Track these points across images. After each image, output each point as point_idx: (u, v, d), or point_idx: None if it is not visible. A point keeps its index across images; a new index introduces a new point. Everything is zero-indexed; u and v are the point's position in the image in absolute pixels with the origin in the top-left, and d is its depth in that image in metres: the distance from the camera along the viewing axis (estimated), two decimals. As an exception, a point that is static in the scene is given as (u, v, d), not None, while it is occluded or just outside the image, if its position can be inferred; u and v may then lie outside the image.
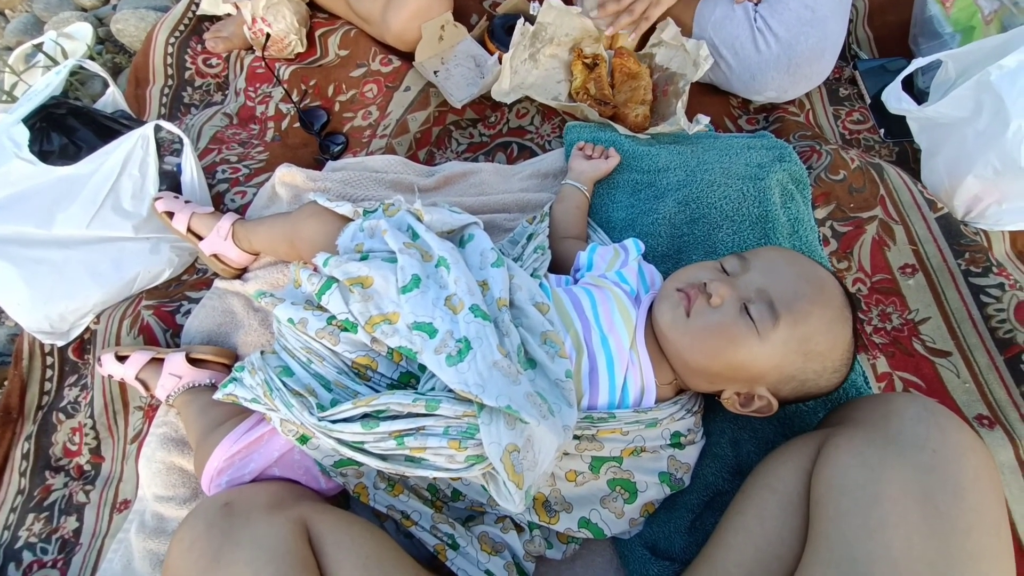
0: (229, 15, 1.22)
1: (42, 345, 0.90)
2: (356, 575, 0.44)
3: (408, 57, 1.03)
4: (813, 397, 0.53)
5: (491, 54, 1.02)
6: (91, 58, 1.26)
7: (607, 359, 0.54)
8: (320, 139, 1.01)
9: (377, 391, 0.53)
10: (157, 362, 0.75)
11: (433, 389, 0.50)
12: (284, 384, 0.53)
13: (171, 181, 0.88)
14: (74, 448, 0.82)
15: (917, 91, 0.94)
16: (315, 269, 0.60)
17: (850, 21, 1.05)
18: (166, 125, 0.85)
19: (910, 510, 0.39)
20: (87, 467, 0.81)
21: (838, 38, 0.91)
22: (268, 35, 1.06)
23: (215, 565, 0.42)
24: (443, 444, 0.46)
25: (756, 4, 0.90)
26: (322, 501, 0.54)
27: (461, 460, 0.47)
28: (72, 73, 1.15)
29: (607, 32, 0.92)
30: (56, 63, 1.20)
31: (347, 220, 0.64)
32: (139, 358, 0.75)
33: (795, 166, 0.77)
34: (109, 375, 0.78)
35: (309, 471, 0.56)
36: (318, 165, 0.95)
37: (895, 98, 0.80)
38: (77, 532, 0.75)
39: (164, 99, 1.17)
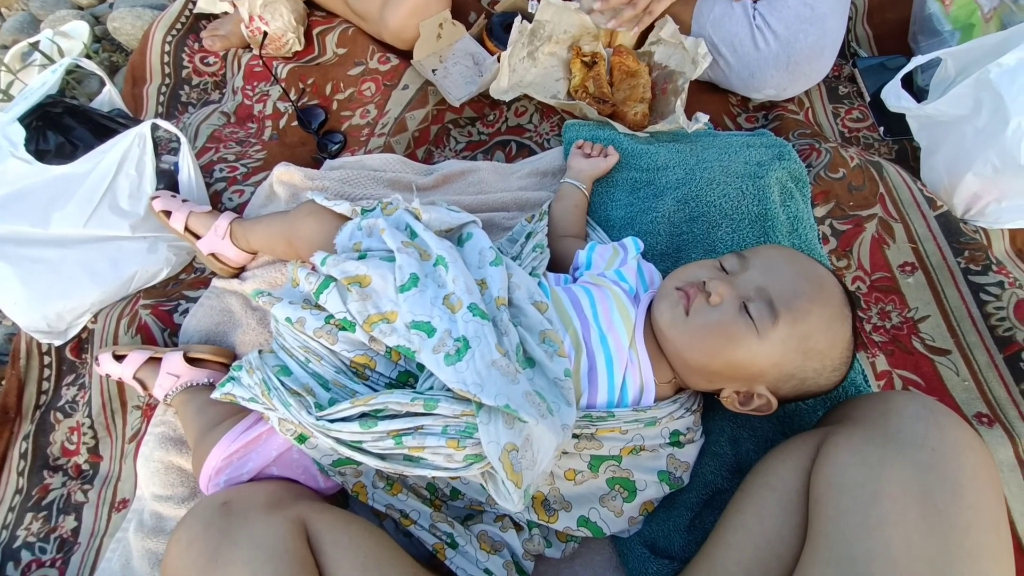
0: (226, 13, 1.21)
1: (39, 344, 0.90)
2: (355, 574, 0.44)
3: (406, 55, 1.02)
4: (812, 395, 0.52)
5: (489, 52, 1.02)
6: (88, 57, 1.25)
7: (606, 358, 0.54)
8: (318, 138, 1.00)
9: (375, 390, 0.53)
10: (155, 361, 0.74)
11: (431, 388, 0.50)
12: (282, 383, 0.52)
13: (168, 180, 0.88)
14: (72, 447, 0.82)
15: (916, 89, 0.93)
16: (313, 268, 0.59)
17: (849, 19, 1.04)
18: (163, 124, 0.85)
19: (909, 508, 0.39)
20: (85, 466, 0.81)
21: (837, 36, 0.91)
22: (265, 33, 1.05)
23: (213, 564, 0.42)
24: (441, 443, 0.46)
25: (755, 2, 0.89)
26: (321, 500, 0.54)
27: (459, 459, 0.46)
28: (69, 72, 1.14)
29: (609, 26, 0.92)
30: (52, 62, 1.20)
31: (345, 219, 0.64)
32: (137, 357, 0.75)
33: (794, 164, 0.77)
34: (107, 374, 0.78)
35: (307, 470, 0.56)
36: (316, 164, 0.95)
37: (894, 96, 0.80)
38: (75, 531, 0.75)
39: (161, 98, 1.17)
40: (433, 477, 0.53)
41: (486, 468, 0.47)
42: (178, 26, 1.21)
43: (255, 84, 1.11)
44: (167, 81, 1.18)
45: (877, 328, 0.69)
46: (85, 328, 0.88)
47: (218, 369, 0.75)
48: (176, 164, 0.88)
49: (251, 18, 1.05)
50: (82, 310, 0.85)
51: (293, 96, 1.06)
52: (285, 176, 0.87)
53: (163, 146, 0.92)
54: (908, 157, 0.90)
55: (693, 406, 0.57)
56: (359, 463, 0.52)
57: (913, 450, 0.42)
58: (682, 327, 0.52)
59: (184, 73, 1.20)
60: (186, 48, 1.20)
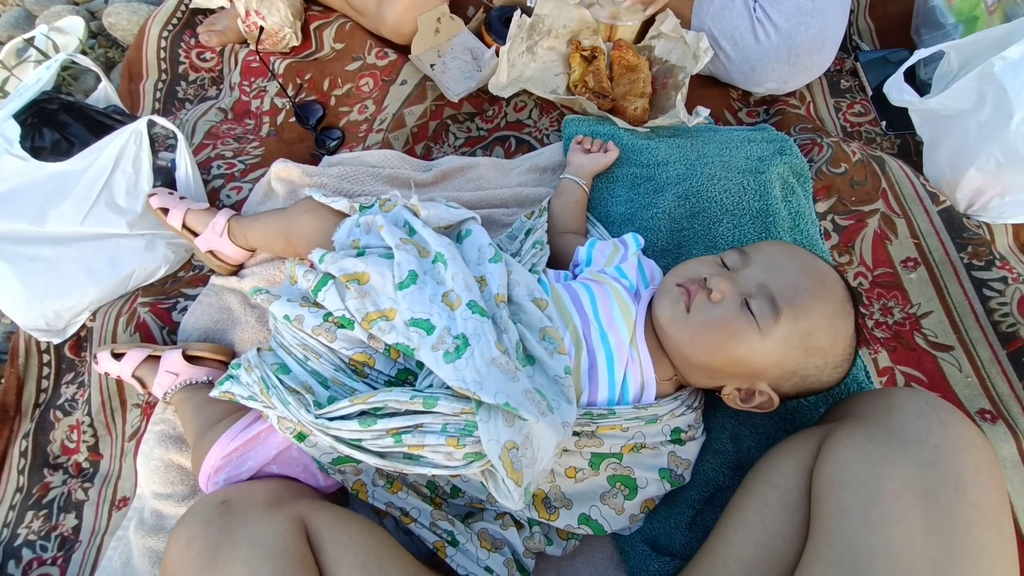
0: (222, 8, 1.20)
1: (38, 343, 0.89)
2: (355, 573, 0.44)
3: (404, 50, 1.02)
4: (814, 392, 0.52)
5: (488, 47, 1.01)
6: (83, 52, 1.24)
7: (606, 355, 0.53)
8: (316, 134, 1.00)
9: (374, 388, 0.53)
10: (154, 359, 0.74)
11: (431, 386, 0.50)
12: (281, 381, 0.52)
13: (166, 177, 0.87)
14: (72, 446, 0.82)
15: (919, 83, 0.93)
16: (311, 265, 0.59)
17: (851, 12, 1.03)
18: (160, 120, 0.84)
19: (911, 505, 0.39)
20: (85, 464, 0.81)
21: (839, 28, 0.90)
22: (262, 28, 1.05)
23: (213, 563, 0.42)
24: (441, 441, 0.46)
25: (756, -6, 0.89)
26: (320, 498, 0.54)
27: (459, 457, 0.46)
28: (64, 68, 1.13)
29: (625, 3, 0.91)
30: (48, 57, 1.19)
31: (343, 216, 0.63)
32: (135, 355, 0.74)
33: (796, 159, 0.77)
34: (106, 373, 0.77)
35: (307, 468, 0.55)
36: (314, 160, 0.94)
37: (897, 90, 0.80)
38: (76, 529, 0.75)
39: (158, 94, 1.16)
40: (433, 475, 0.53)
41: (486, 466, 0.46)
42: (174, 21, 1.20)
43: (252, 80, 1.10)
44: (164, 77, 1.17)
45: (879, 324, 0.68)
46: (84, 326, 0.88)
47: (217, 367, 0.74)
48: (173, 161, 0.87)
49: (247, 13, 1.04)
50: (80, 308, 0.85)
51: (290, 92, 1.05)
52: (283, 173, 0.86)
53: (160, 143, 0.91)
54: (910, 152, 0.90)
55: (694, 403, 0.57)
56: (359, 461, 0.51)
57: (915, 447, 0.41)
58: (683, 324, 0.51)
59: (181, 69, 1.19)
60: (182, 44, 1.19)
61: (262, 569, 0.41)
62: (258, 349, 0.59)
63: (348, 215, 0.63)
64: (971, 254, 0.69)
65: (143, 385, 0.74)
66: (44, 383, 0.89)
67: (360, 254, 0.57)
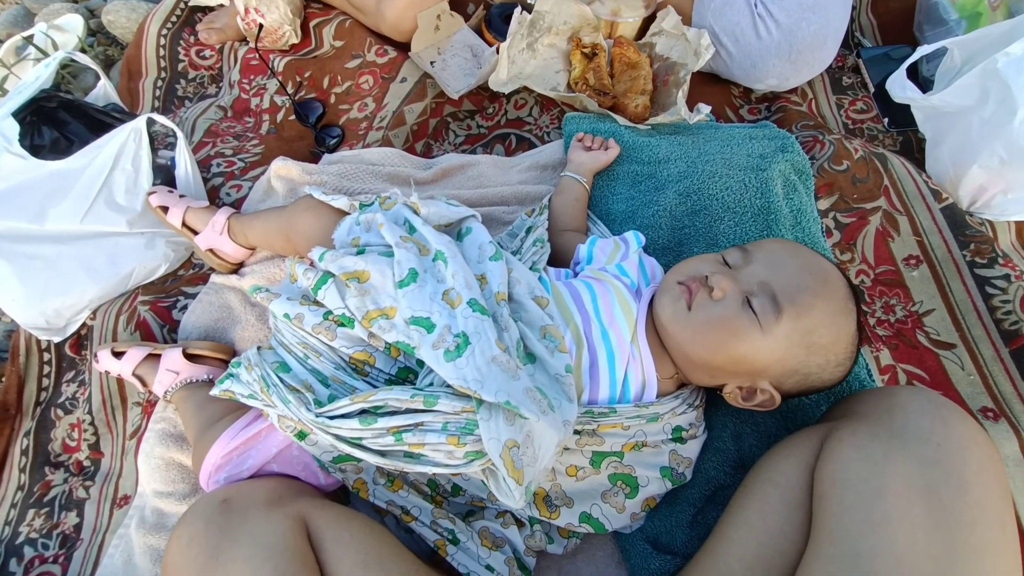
0: (222, 5, 1.20)
1: (39, 341, 0.89)
2: (356, 571, 0.44)
3: (404, 47, 1.01)
4: (816, 391, 0.52)
5: (488, 44, 1.01)
6: (82, 50, 1.24)
7: (607, 353, 0.53)
8: (316, 132, 0.99)
9: (375, 387, 0.52)
10: (154, 358, 0.74)
11: (431, 385, 0.50)
12: (281, 380, 0.52)
13: (165, 175, 0.87)
14: (73, 444, 0.82)
15: (922, 79, 0.92)
16: (311, 264, 0.59)
17: (853, 8, 1.03)
18: (159, 118, 0.84)
19: (914, 504, 0.39)
20: (86, 463, 0.81)
21: (840, 24, 0.90)
22: (261, 26, 1.04)
23: (213, 562, 0.42)
24: (442, 440, 0.46)
25: (757, -10, 0.88)
26: (321, 497, 0.54)
27: (460, 456, 0.46)
28: (64, 66, 1.13)
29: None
30: (47, 56, 1.19)
31: (343, 214, 0.63)
32: (136, 354, 0.74)
33: (798, 156, 0.76)
34: (106, 371, 0.77)
35: (308, 467, 0.55)
36: (314, 158, 0.94)
37: (899, 86, 0.79)
38: (78, 527, 0.75)
39: (157, 92, 1.15)
40: (434, 474, 0.53)
41: (487, 465, 0.46)
42: (173, 19, 1.20)
43: (252, 78, 1.10)
44: (163, 75, 1.17)
45: (881, 322, 0.68)
46: (84, 325, 0.88)
47: (217, 365, 0.74)
48: (173, 159, 0.87)
49: (247, 10, 1.04)
50: (80, 307, 0.84)
51: (290, 90, 1.05)
52: (283, 171, 0.86)
53: (159, 141, 0.91)
54: (913, 149, 0.89)
55: (695, 402, 0.57)
56: (359, 460, 0.51)
57: (918, 445, 0.41)
58: (684, 322, 0.51)
59: (180, 67, 1.19)
60: (182, 41, 1.19)
61: (263, 568, 0.41)
62: (258, 347, 0.58)
63: (348, 213, 0.63)
64: (974, 252, 0.69)
65: (143, 383, 0.74)
66: (45, 381, 0.89)
67: (360, 252, 0.56)
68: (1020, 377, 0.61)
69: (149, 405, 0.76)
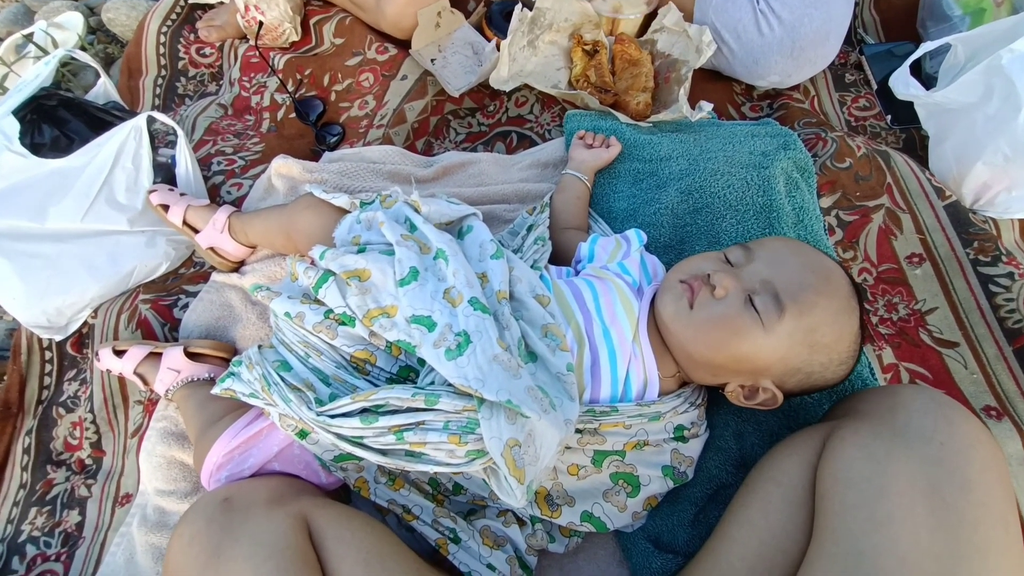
0: (221, 3, 1.20)
1: (40, 339, 0.90)
2: (357, 570, 0.44)
3: (404, 45, 1.01)
4: (819, 389, 0.52)
5: (489, 41, 1.00)
6: (83, 48, 1.24)
7: (609, 352, 0.53)
8: (316, 129, 0.99)
9: (376, 385, 0.52)
10: (155, 356, 0.74)
11: (433, 383, 0.50)
12: (282, 379, 0.52)
13: (166, 173, 0.87)
14: (75, 442, 0.82)
15: (925, 76, 0.92)
16: (312, 262, 0.59)
17: (856, 4, 1.02)
18: (159, 116, 0.84)
19: (917, 503, 0.39)
20: (88, 461, 0.81)
21: (843, 20, 0.89)
22: (261, 23, 1.04)
23: (215, 561, 0.42)
24: (443, 439, 0.46)
25: (760, -14, 0.88)
26: (322, 496, 0.54)
27: (461, 455, 0.46)
28: (64, 64, 1.13)
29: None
30: (47, 53, 1.18)
31: (344, 212, 0.63)
32: (137, 352, 0.74)
33: (800, 154, 0.76)
34: (107, 370, 0.77)
35: (309, 465, 0.55)
36: (314, 156, 0.94)
37: (903, 83, 0.79)
38: (80, 526, 0.75)
39: (158, 90, 1.15)
40: (435, 472, 0.53)
41: (488, 464, 0.46)
42: (173, 16, 1.20)
43: (252, 75, 1.10)
44: (163, 73, 1.17)
45: (884, 320, 0.68)
46: (85, 323, 0.88)
47: (219, 364, 0.74)
48: (173, 157, 0.87)
49: (247, 8, 1.03)
50: (81, 305, 0.84)
51: (290, 87, 1.04)
52: (283, 169, 0.86)
53: (160, 139, 0.91)
54: (916, 146, 0.89)
55: (697, 400, 0.56)
56: (360, 459, 0.51)
57: (921, 444, 0.41)
58: (686, 320, 0.51)
59: (180, 65, 1.18)
60: (182, 39, 1.19)
61: (264, 566, 0.41)
62: (259, 346, 0.58)
63: (349, 211, 0.62)
64: (977, 249, 0.69)
65: (145, 382, 0.74)
66: (47, 380, 0.89)
67: (361, 251, 0.56)
68: (1023, 376, 0.61)
69: (150, 403, 0.76)
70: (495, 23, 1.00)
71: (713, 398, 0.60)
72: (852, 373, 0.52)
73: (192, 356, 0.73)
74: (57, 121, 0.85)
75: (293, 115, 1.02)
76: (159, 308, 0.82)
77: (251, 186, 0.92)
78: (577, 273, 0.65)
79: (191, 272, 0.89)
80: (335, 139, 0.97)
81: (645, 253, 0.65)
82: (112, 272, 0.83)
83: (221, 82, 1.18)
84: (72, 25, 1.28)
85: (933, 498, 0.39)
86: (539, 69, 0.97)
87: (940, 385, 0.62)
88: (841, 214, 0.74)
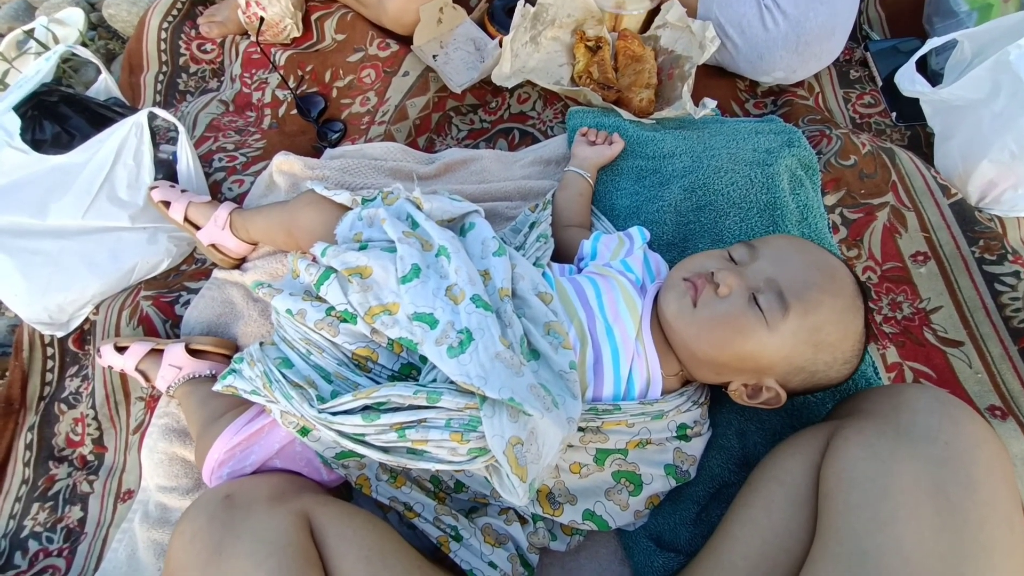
0: (223, -2, 1.19)
1: (42, 336, 0.90)
2: (359, 567, 0.44)
3: (406, 41, 1.00)
4: (822, 388, 0.52)
5: (491, 37, 1.00)
6: (83, 44, 1.24)
7: (612, 350, 0.53)
8: (318, 126, 0.99)
9: (378, 383, 0.52)
10: (157, 353, 0.74)
11: (435, 381, 0.49)
12: (283, 376, 0.52)
13: (167, 170, 0.87)
14: (77, 438, 0.82)
15: (931, 73, 0.91)
16: (313, 259, 0.58)
17: (861, 0, 1.01)
18: (160, 112, 0.84)
19: (922, 503, 0.38)
20: (90, 457, 0.81)
21: (848, 15, 0.89)
22: (262, 19, 1.03)
23: (216, 558, 0.42)
24: (445, 437, 0.45)
25: (764, -18, 0.87)
26: (324, 493, 0.54)
27: (463, 453, 0.46)
28: (65, 60, 1.13)
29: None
30: (47, 49, 1.18)
31: (345, 209, 0.63)
32: (138, 349, 0.74)
33: (804, 151, 0.75)
34: (109, 366, 0.77)
35: (311, 463, 0.55)
36: (316, 153, 0.94)
37: (908, 80, 0.78)
38: (82, 521, 0.76)
39: (159, 86, 1.15)
40: (437, 470, 0.53)
41: (490, 462, 0.46)
42: (174, 12, 1.19)
43: (253, 72, 1.09)
44: (164, 69, 1.17)
45: (888, 319, 0.67)
46: (87, 319, 0.88)
47: (220, 361, 0.74)
48: (174, 154, 0.87)
49: (248, 3, 1.03)
50: (83, 302, 0.84)
51: (292, 84, 1.04)
52: (285, 165, 0.86)
53: (161, 135, 0.90)
54: (921, 143, 0.88)
55: (700, 399, 0.56)
56: (362, 456, 0.51)
57: (925, 444, 0.41)
58: (689, 319, 0.51)
59: (181, 61, 1.18)
60: (183, 35, 1.18)
61: (266, 564, 0.41)
62: (261, 343, 0.58)
63: (350, 208, 0.62)
64: (983, 248, 0.68)
65: (146, 379, 0.74)
66: (48, 376, 0.89)
67: (363, 248, 0.56)
68: (1029, 375, 0.61)
69: (152, 400, 0.76)
70: (497, 19, 1.00)
71: (716, 397, 0.59)
72: (856, 372, 0.52)
73: (194, 353, 0.73)
74: (58, 117, 0.85)
75: (294, 111, 1.02)
76: (161, 305, 0.82)
77: (252, 183, 0.91)
78: (580, 271, 0.64)
79: (192, 269, 0.89)
80: (337, 136, 0.97)
81: (648, 251, 0.65)
82: (113, 269, 0.83)
83: (222, 78, 1.17)
84: (73, 21, 1.28)
85: (938, 498, 0.38)
86: (541, 65, 0.97)
87: (944, 384, 0.62)
88: (845, 212, 0.74)
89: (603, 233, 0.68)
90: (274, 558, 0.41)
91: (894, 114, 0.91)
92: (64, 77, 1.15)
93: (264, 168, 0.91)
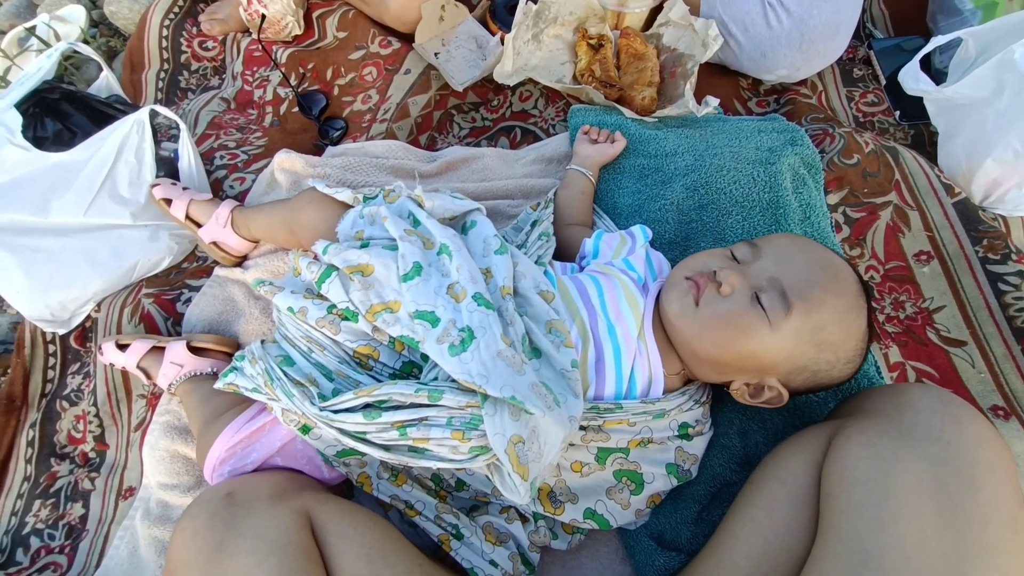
0: (224, -4, 1.19)
1: (44, 333, 0.90)
2: (360, 565, 0.44)
3: (408, 39, 1.00)
4: (825, 388, 0.51)
5: (493, 35, 1.00)
6: (85, 41, 1.23)
7: (614, 348, 0.53)
8: (319, 124, 0.99)
9: (379, 381, 0.52)
10: (158, 350, 0.74)
11: (436, 379, 0.49)
12: (285, 374, 0.52)
13: (168, 167, 0.87)
14: (78, 436, 0.82)
15: (934, 71, 0.91)
16: (315, 257, 0.58)
17: (865, -2, 1.01)
18: (162, 110, 0.84)
19: (924, 503, 0.38)
20: (92, 454, 0.81)
21: (852, 13, 0.88)
22: (264, 16, 1.03)
23: (218, 556, 0.42)
24: (446, 435, 0.45)
25: (768, -21, 0.86)
26: (325, 491, 0.54)
27: (465, 451, 0.46)
28: (67, 57, 1.13)
29: None
30: (49, 47, 1.18)
31: (347, 207, 0.63)
32: (140, 346, 0.74)
33: (807, 150, 0.75)
34: (111, 363, 0.78)
35: (312, 461, 0.55)
36: (317, 150, 0.94)
37: (912, 78, 0.78)
38: (83, 518, 0.76)
39: (160, 83, 1.15)
40: (438, 469, 0.53)
41: (492, 460, 0.46)
42: (175, 10, 1.19)
43: (255, 69, 1.09)
44: (166, 67, 1.16)
45: (891, 319, 0.67)
46: (89, 317, 0.88)
47: (222, 358, 0.74)
48: (176, 151, 0.87)
49: (249, 1, 1.03)
50: (85, 299, 0.85)
51: (293, 81, 1.04)
52: (286, 163, 0.85)
53: (162, 133, 0.90)
54: (925, 142, 0.88)
55: (702, 398, 0.56)
56: (363, 454, 0.51)
57: (928, 444, 0.41)
58: (692, 318, 0.50)
59: (183, 58, 1.18)
60: (184, 32, 1.18)
61: (267, 562, 0.41)
62: (262, 341, 0.58)
63: (352, 206, 0.62)
64: (986, 247, 0.68)
65: (148, 376, 0.75)
66: (50, 373, 0.89)
67: (364, 245, 0.56)
68: (1032, 375, 0.60)
69: (153, 398, 0.76)
70: (499, 17, 1.00)
71: (718, 396, 0.59)
72: (858, 372, 0.52)
73: (195, 350, 0.73)
74: (59, 115, 0.85)
75: (296, 109, 1.02)
76: (162, 302, 0.82)
77: (254, 180, 0.91)
78: (582, 269, 0.64)
79: (194, 266, 0.89)
80: (338, 133, 0.97)
81: (650, 249, 0.65)
82: (115, 266, 0.83)
83: (224, 76, 1.17)
84: (74, 18, 1.28)
85: (940, 497, 0.38)
86: (543, 63, 0.97)
87: (947, 384, 0.62)
88: (848, 211, 0.73)
89: (605, 231, 0.68)
90: (275, 556, 0.41)
91: (897, 113, 0.91)
92: (66, 74, 1.15)
93: (265, 166, 0.91)
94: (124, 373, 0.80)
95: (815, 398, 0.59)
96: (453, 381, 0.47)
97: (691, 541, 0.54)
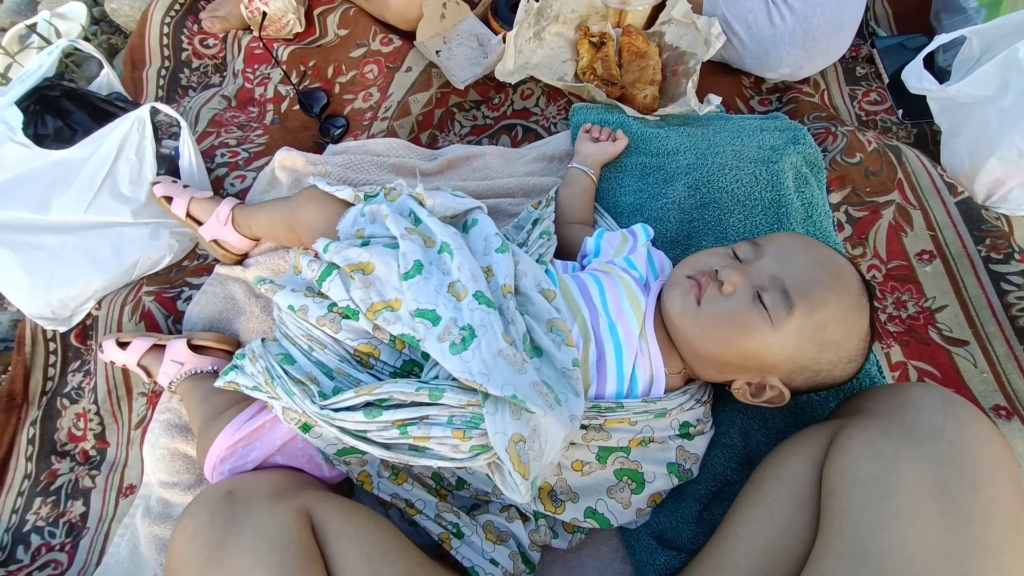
0: (225, -7, 1.19)
1: (44, 331, 0.90)
2: (360, 564, 0.44)
3: (409, 36, 1.00)
4: (827, 387, 0.51)
5: (495, 32, 0.99)
6: (86, 39, 1.23)
7: (615, 347, 0.53)
8: (320, 122, 0.99)
9: (380, 379, 0.52)
10: (159, 348, 0.74)
11: (437, 378, 0.49)
12: (285, 372, 0.52)
13: (169, 165, 0.87)
14: (79, 433, 0.82)
15: (938, 70, 0.90)
16: (315, 255, 0.58)
17: (868, -4, 1.01)
18: (162, 108, 0.83)
19: (926, 502, 0.38)
20: (92, 452, 0.81)
21: (856, 11, 0.88)
22: (265, 14, 1.03)
23: (218, 554, 0.42)
24: (447, 434, 0.45)
25: (771, -23, 0.86)
26: (325, 489, 0.54)
27: (466, 450, 0.46)
28: (68, 55, 1.13)
29: None
30: (50, 44, 1.18)
31: (348, 205, 0.62)
32: (140, 344, 0.74)
33: (809, 149, 0.75)
34: (111, 361, 0.78)
35: (312, 459, 0.55)
36: (318, 148, 0.93)
37: (916, 77, 0.77)
38: (84, 516, 0.76)
39: (161, 81, 1.15)
40: (439, 467, 0.52)
41: (493, 459, 0.46)
42: (176, 7, 1.19)
43: (256, 67, 1.09)
44: (167, 64, 1.16)
45: (892, 318, 0.67)
46: (89, 315, 0.88)
47: (222, 356, 0.74)
48: (177, 149, 0.87)
49: (250, -2, 1.02)
50: (85, 297, 0.85)
51: (294, 79, 1.04)
52: (287, 161, 0.85)
53: (163, 131, 0.90)
54: (927, 141, 0.87)
55: (703, 397, 0.56)
56: (364, 452, 0.51)
57: (930, 443, 0.41)
58: (693, 317, 0.50)
59: (184, 56, 1.18)
60: (185, 30, 1.18)
61: (267, 560, 0.41)
62: (263, 339, 0.58)
63: (353, 204, 0.62)
64: (989, 247, 0.68)
65: (148, 374, 0.75)
66: (51, 371, 0.89)
67: (365, 244, 0.56)
68: (1034, 375, 0.60)
69: (154, 395, 0.76)
70: (501, 14, 0.99)
71: (719, 395, 0.59)
72: (860, 371, 0.51)
73: (195, 349, 0.73)
74: (60, 112, 0.85)
75: (297, 107, 1.01)
76: (163, 300, 0.82)
77: (255, 178, 0.91)
78: (583, 268, 0.64)
79: (195, 264, 0.88)
80: (339, 131, 0.96)
81: (652, 248, 0.65)
82: (116, 264, 0.83)
83: (225, 73, 1.17)
84: (76, 15, 1.28)
85: (942, 497, 0.38)
86: (545, 61, 0.96)
87: (949, 384, 0.62)
88: (851, 210, 0.73)
89: (606, 230, 0.68)
90: (276, 554, 0.41)
91: (900, 111, 0.90)
92: (66, 72, 1.15)
93: (266, 164, 0.91)
94: (125, 371, 0.80)
95: (816, 397, 0.59)
96: (454, 380, 0.47)
97: (692, 540, 0.54)
